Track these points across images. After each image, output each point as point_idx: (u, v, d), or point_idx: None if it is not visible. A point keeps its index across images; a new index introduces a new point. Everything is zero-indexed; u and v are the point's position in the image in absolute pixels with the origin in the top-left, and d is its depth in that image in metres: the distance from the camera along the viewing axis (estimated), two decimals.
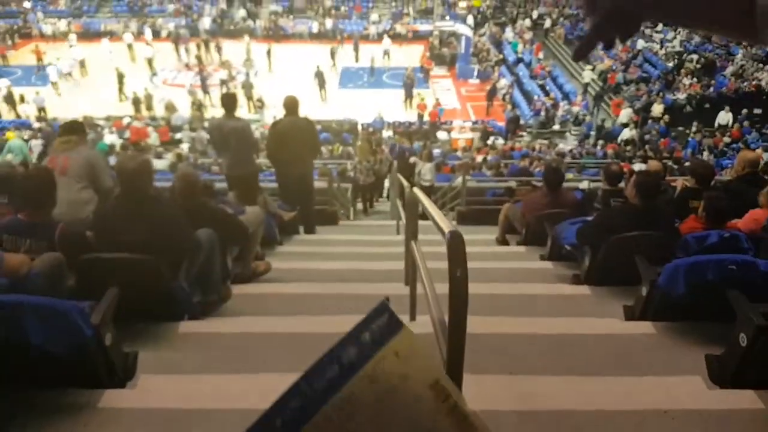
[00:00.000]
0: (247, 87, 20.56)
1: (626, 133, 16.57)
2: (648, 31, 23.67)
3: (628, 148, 14.64)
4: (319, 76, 21.49)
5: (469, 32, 23.73)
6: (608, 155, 14.07)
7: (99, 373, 2.24)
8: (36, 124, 17.33)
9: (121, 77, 20.51)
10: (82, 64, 22.53)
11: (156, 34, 27.00)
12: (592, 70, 21.72)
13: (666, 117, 17.15)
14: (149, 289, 2.77)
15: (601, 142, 16.51)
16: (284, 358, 2.51)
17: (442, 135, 18.34)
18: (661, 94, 18.90)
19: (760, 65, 18.35)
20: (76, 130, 3.81)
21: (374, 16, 28.77)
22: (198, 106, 18.91)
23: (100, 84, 21.62)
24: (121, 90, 20.27)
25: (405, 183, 5.52)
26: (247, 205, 4.73)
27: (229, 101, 5.43)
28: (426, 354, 0.39)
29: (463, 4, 27.45)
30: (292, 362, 2.50)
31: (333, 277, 3.77)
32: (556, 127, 18.94)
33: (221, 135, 5.32)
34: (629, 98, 19.30)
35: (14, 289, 2.41)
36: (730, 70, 18.88)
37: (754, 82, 17.59)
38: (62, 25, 27.42)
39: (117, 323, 2.34)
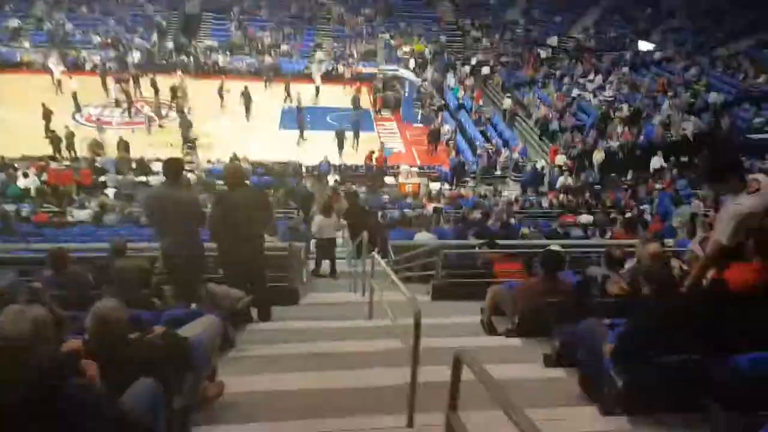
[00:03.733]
0: (184, 126, 19.38)
1: (562, 180, 16.76)
2: (581, 80, 24.63)
3: (569, 197, 14.73)
4: (246, 97, 21.63)
5: (412, 76, 23.84)
6: (553, 204, 14.09)
7: None
8: None
9: (47, 114, 18.69)
10: None
11: (80, 67, 25.51)
12: (510, 97, 23.71)
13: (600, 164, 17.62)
14: None
15: (542, 189, 16.69)
16: None
17: (389, 180, 17.97)
18: (595, 141, 19.48)
19: (686, 115, 19.30)
20: None
21: (319, 54, 28.46)
22: (125, 146, 17.52)
23: (16, 120, 19.72)
24: (47, 128, 18.32)
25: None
26: (188, 299, 3.92)
27: (172, 167, 4.58)
28: None
29: (406, 49, 27.67)
30: None
31: (308, 404, 3.01)
32: (498, 172, 18.99)
33: (161, 207, 4.47)
34: (564, 145, 19.75)
35: None
36: (657, 119, 19.71)
37: (681, 131, 18.42)
38: None
39: None
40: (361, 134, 20.44)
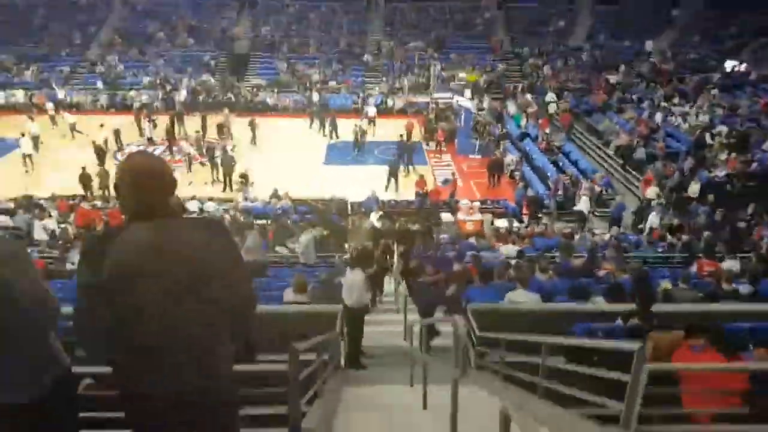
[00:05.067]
0: (227, 163, 17.77)
1: (667, 216, 13.74)
2: (665, 104, 21.69)
3: (690, 236, 11.65)
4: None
5: (469, 104, 21.57)
6: (675, 246, 11.04)
7: None
8: None
9: (100, 152, 18.00)
10: (36, 139, 19.43)
11: (128, 108, 24.71)
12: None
13: (710, 197, 14.45)
14: None
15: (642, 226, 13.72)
16: None
17: (446, 216, 15.47)
18: (692, 170, 16.45)
19: None
20: None
21: (369, 90, 26.87)
22: None
23: (60, 160, 18.74)
24: (102, 165, 17.49)
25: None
26: None
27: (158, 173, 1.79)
28: None
29: (462, 75, 25.53)
30: None
31: None
32: (579, 207, 16.09)
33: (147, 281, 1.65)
34: (656, 176, 16.76)
35: None
36: None
37: None
38: (21, 96, 25.00)
39: None
40: (413, 168, 18.35)
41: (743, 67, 23.62)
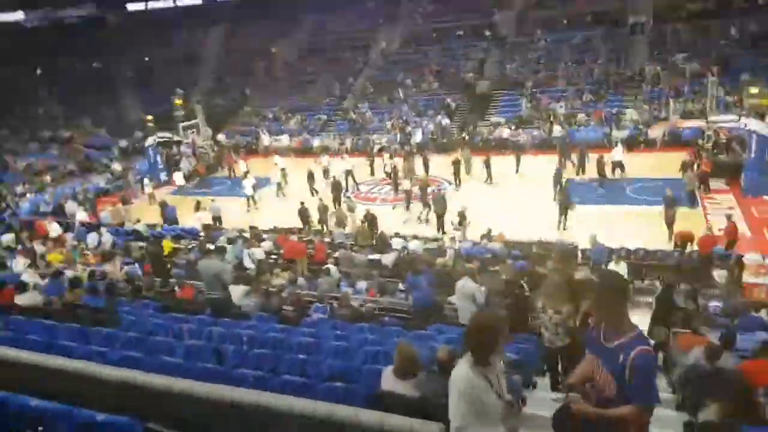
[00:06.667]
0: (437, 203, 16.42)
1: None
2: None
3: None
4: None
5: (764, 130, 16.20)
6: None
7: None
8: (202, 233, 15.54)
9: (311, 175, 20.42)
10: (284, 175, 21.29)
11: (367, 150, 25.76)
12: None
13: None
14: None
15: None
16: None
17: (719, 274, 11.22)
18: None
19: None
20: None
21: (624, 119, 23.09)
22: (371, 219, 15.24)
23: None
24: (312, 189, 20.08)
25: None
26: None
27: None
28: None
29: (753, 91, 19.69)
30: None
31: None
32: None
33: None
34: None
35: None
36: None
37: None
38: (286, 141, 28.29)
39: None
40: (680, 209, 14.21)
41: None
